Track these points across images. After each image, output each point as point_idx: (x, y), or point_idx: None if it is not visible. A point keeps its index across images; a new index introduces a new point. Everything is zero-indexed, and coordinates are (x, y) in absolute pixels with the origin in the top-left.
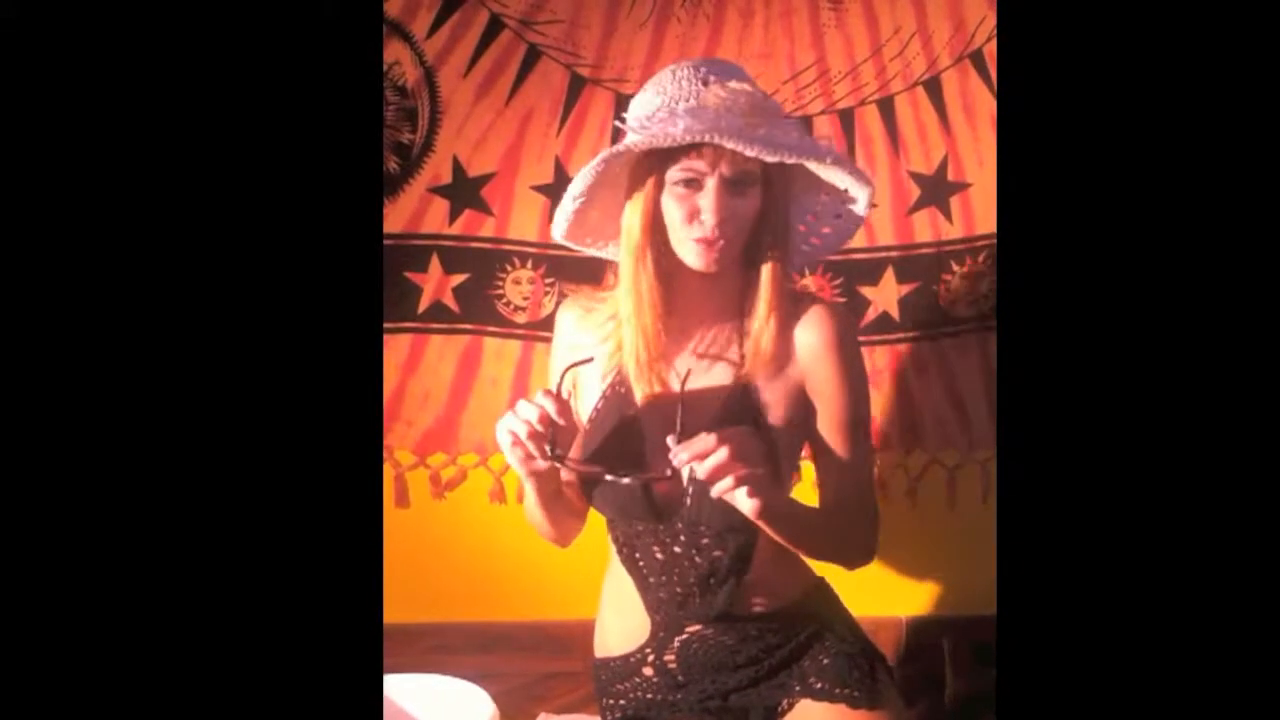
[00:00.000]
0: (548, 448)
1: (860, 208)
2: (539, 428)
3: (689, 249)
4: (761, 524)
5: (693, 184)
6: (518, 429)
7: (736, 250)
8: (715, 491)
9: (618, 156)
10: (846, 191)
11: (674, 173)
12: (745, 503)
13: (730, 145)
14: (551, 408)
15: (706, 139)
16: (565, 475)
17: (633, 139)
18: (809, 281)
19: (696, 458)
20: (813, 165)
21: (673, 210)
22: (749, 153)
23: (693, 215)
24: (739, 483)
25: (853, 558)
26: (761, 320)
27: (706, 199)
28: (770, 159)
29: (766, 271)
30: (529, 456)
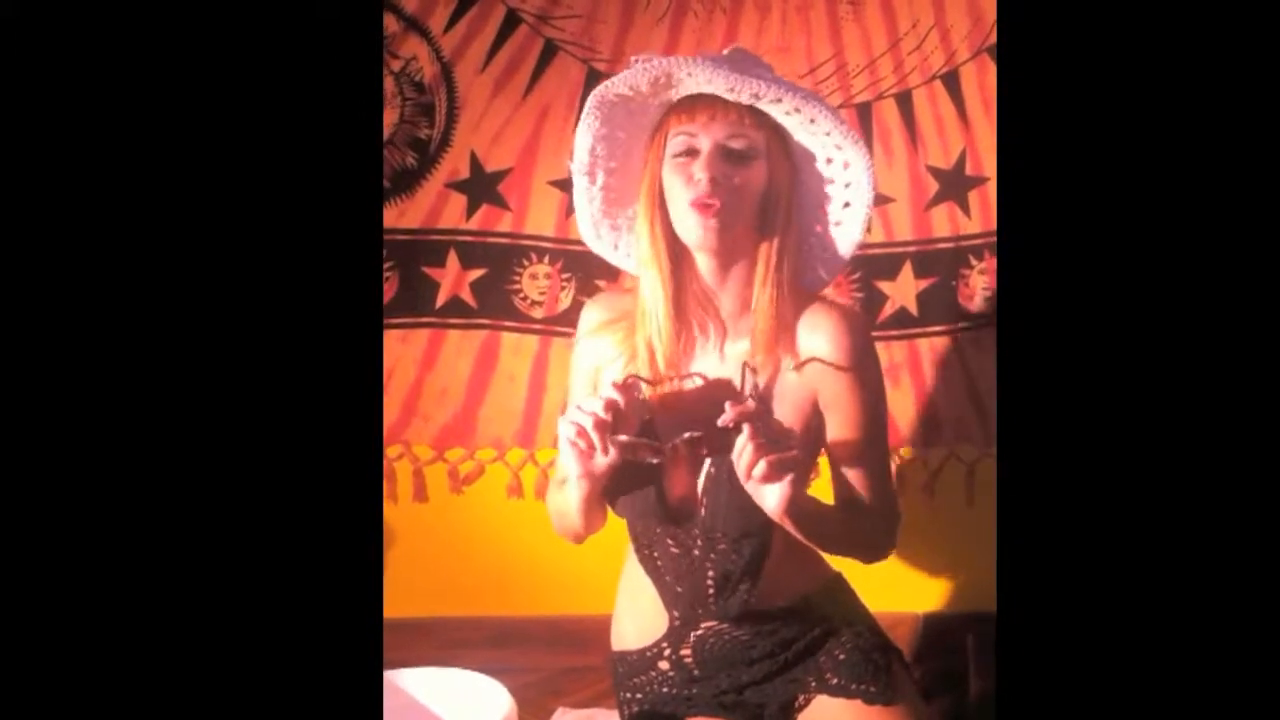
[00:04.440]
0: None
1: (863, 187)
2: (605, 416)
3: (689, 222)
4: (785, 520)
5: (692, 153)
6: (583, 420)
7: (739, 229)
8: (755, 476)
9: (598, 109)
10: (849, 168)
11: (673, 145)
12: (773, 495)
13: (691, 74)
14: (619, 399)
15: (662, 68)
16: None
17: (601, 87)
18: None
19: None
20: (793, 119)
21: (673, 181)
22: (715, 85)
23: (689, 179)
24: (770, 470)
25: (868, 554)
26: (758, 292)
27: (700, 161)
28: (735, 93)
29: (764, 249)
30: (591, 449)
